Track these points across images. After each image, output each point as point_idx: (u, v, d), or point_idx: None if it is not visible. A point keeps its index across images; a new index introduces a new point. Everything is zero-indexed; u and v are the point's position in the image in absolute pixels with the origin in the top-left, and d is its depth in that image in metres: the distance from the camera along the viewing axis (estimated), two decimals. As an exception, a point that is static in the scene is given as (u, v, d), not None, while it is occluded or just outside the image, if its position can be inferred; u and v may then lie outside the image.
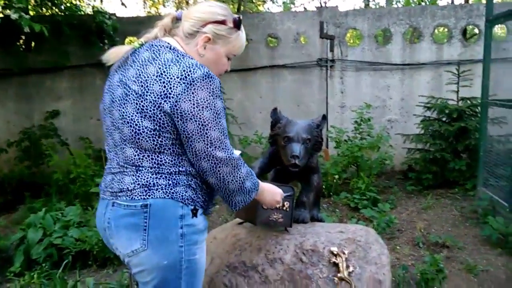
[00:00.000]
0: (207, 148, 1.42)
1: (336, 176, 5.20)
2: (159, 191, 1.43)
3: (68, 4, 6.89)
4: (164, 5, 15.73)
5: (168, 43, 1.51)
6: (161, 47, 1.49)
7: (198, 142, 1.41)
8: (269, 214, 2.00)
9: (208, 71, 1.43)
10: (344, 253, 1.98)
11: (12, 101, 6.89)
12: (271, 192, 1.73)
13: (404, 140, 5.82)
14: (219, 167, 1.44)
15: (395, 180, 6.15)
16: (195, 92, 1.39)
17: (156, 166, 1.44)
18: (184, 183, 1.47)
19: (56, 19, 6.12)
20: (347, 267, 1.97)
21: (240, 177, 1.48)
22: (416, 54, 6.62)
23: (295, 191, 2.06)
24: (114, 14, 6.65)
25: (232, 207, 1.55)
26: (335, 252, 1.98)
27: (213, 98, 1.42)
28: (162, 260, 1.44)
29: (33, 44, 6.87)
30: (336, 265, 1.97)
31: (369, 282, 1.97)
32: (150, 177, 1.44)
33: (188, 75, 1.40)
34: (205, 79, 1.41)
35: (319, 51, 6.71)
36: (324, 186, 5.29)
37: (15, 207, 5.13)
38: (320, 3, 13.80)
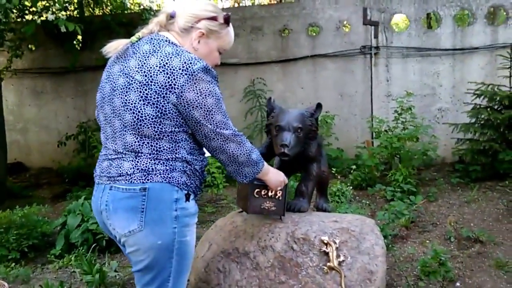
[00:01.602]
0: (215, 129, 1.56)
1: (373, 168, 5.05)
2: (157, 176, 1.54)
3: (116, 2, 7.26)
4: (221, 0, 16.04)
5: (167, 37, 1.61)
6: (160, 40, 1.59)
7: (206, 125, 1.55)
8: (261, 202, 2.02)
9: (206, 63, 1.56)
10: (335, 243, 1.96)
11: (71, 97, 7.42)
12: (275, 173, 1.88)
13: (452, 129, 5.49)
14: (227, 143, 1.59)
15: (443, 172, 5.85)
16: (197, 82, 1.52)
17: (155, 152, 1.55)
18: (180, 169, 1.58)
19: (106, 19, 6.50)
20: (338, 256, 1.94)
21: (246, 150, 1.63)
22: (468, 38, 6.21)
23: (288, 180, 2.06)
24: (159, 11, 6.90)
25: (243, 179, 1.69)
26: (325, 241, 1.96)
27: (213, 86, 1.56)
28: (157, 240, 1.54)
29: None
30: (326, 254, 1.95)
31: (360, 272, 1.93)
32: (149, 162, 1.54)
33: (189, 67, 1.51)
34: (205, 70, 1.54)
35: (363, 38, 6.51)
36: (360, 178, 5.18)
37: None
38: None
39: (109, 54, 1.63)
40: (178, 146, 1.57)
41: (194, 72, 1.51)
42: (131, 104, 1.52)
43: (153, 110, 1.51)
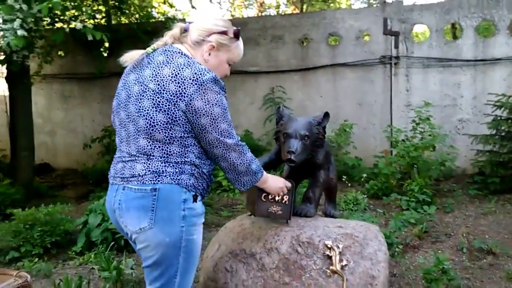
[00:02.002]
0: (219, 137, 1.66)
1: (390, 177, 5.06)
2: (167, 178, 1.64)
3: (143, 13, 7.51)
4: (246, 8, 16.29)
5: (180, 49, 1.74)
6: (174, 52, 1.72)
7: (211, 133, 1.66)
8: (268, 206, 2.11)
9: (215, 75, 1.68)
10: (338, 247, 2.03)
11: (96, 102, 7.69)
12: (275, 180, 1.97)
13: (472, 141, 5.45)
14: (229, 152, 1.69)
15: (463, 184, 5.79)
16: (205, 92, 1.63)
17: (166, 156, 1.66)
18: (189, 172, 1.68)
19: (132, 27, 6.74)
20: (340, 260, 2.00)
21: (246, 160, 1.73)
22: (490, 49, 6.16)
23: (295, 185, 2.14)
24: (184, 20, 7.11)
25: (241, 187, 1.80)
26: (329, 246, 2.03)
27: (220, 97, 1.68)
28: (165, 238, 1.64)
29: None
30: (329, 258, 2.02)
31: (362, 277, 1.99)
32: (160, 165, 1.65)
33: (199, 77, 1.63)
34: (213, 81, 1.66)
35: (383, 48, 6.54)
36: (377, 187, 5.20)
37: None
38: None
39: (126, 64, 1.76)
40: (187, 150, 1.67)
41: (203, 82, 1.62)
42: (144, 110, 1.64)
43: (165, 117, 1.62)
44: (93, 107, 7.76)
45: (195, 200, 1.70)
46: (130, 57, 1.76)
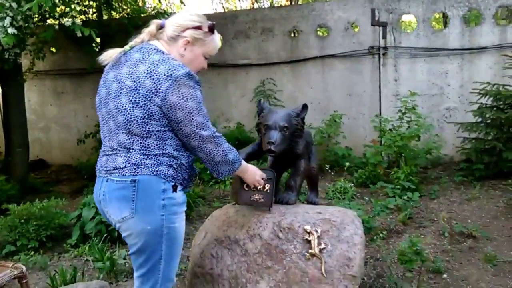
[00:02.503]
0: (194, 130, 1.74)
1: (379, 166, 5.18)
2: (146, 169, 1.73)
3: (134, 7, 7.55)
4: (239, 0, 16.26)
5: (155, 46, 1.82)
6: (149, 49, 1.79)
7: (187, 126, 1.74)
8: (251, 194, 2.21)
9: (189, 70, 1.75)
10: (316, 232, 2.13)
11: (89, 97, 7.74)
12: (252, 172, 2.05)
13: (458, 129, 5.57)
14: (205, 143, 1.77)
15: (450, 171, 5.92)
16: (180, 87, 1.71)
17: (144, 149, 1.74)
18: (167, 163, 1.76)
19: (123, 22, 6.78)
20: (319, 244, 2.11)
21: (222, 151, 1.80)
22: (477, 38, 6.26)
23: (276, 174, 2.25)
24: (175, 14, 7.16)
25: (219, 176, 1.88)
26: (308, 230, 2.14)
27: (195, 91, 1.74)
28: (146, 226, 1.74)
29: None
30: (308, 242, 2.13)
31: (339, 259, 2.10)
32: (139, 157, 1.74)
33: (173, 73, 1.71)
34: (187, 76, 1.73)
35: (371, 39, 6.62)
36: (365, 176, 5.32)
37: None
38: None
39: (105, 62, 1.84)
40: (165, 143, 1.76)
41: (177, 77, 1.70)
42: (122, 107, 1.73)
43: (141, 112, 1.70)
44: (86, 102, 7.81)
45: (174, 190, 1.78)
46: (108, 55, 1.84)
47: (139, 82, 1.71)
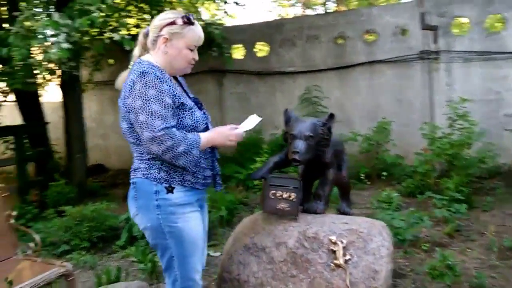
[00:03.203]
0: (140, 130, 1.77)
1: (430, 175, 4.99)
2: (140, 173, 1.89)
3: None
4: (290, 7, 16.32)
5: (140, 59, 1.91)
6: (135, 63, 1.90)
7: (136, 127, 1.80)
8: (276, 203, 2.25)
9: (145, 69, 1.77)
10: (342, 242, 2.12)
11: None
12: (222, 135, 1.94)
13: (517, 136, 5.23)
14: (149, 144, 1.76)
15: (508, 181, 5.55)
16: (134, 87, 1.78)
17: (139, 155, 1.90)
18: (157, 166, 1.86)
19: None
20: (344, 255, 2.10)
21: (169, 148, 1.74)
22: (539, 40, 5.85)
23: (302, 183, 2.26)
24: (222, 24, 7.36)
25: (181, 165, 1.82)
26: (333, 241, 2.13)
27: (146, 89, 1.75)
28: (147, 223, 1.89)
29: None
30: (334, 252, 2.12)
31: (365, 271, 2.07)
32: (137, 162, 1.92)
33: (134, 76, 1.81)
34: (141, 75, 1.77)
35: (421, 43, 6.39)
36: (414, 185, 5.14)
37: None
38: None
39: (119, 87, 1.96)
40: None
41: (133, 79, 1.78)
42: (120, 123, 1.92)
43: (126, 124, 1.87)
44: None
45: (170, 191, 1.86)
46: (120, 79, 1.99)
47: (123, 97, 1.85)
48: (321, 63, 6.96)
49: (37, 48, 4.35)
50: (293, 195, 2.23)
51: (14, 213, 2.94)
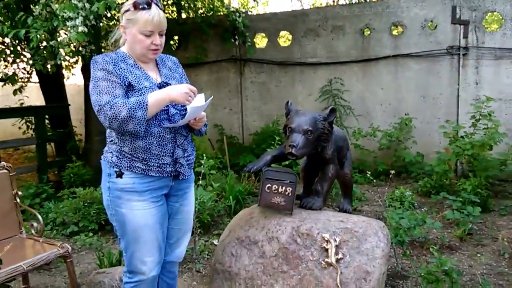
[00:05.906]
0: (94, 109, 1.79)
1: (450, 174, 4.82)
2: (102, 155, 1.99)
3: (210, 6, 7.81)
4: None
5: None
6: None
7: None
8: (271, 197, 2.20)
9: (95, 58, 1.86)
10: (335, 240, 2.05)
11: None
12: (175, 90, 1.82)
13: (545, 139, 4.98)
14: (99, 117, 1.77)
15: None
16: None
17: (107, 138, 1.99)
18: (112, 150, 1.92)
19: (197, 21, 7.04)
20: (336, 253, 2.03)
21: (112, 117, 1.71)
22: None
23: (297, 179, 2.20)
24: (246, 12, 7.27)
25: (139, 133, 1.78)
26: (326, 238, 2.07)
27: (94, 71, 1.84)
28: (103, 201, 2.00)
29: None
30: (326, 250, 2.06)
31: (357, 271, 2.00)
32: (106, 145, 2.01)
33: None
34: (92, 62, 1.87)
35: (450, 38, 6.13)
36: (430, 185, 4.98)
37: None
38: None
39: None
40: (112, 133, 1.92)
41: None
42: None
43: None
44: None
45: (119, 175, 1.87)
46: None
47: None
48: (344, 55, 6.78)
49: (58, 31, 4.40)
50: (289, 190, 2.17)
51: (20, 193, 2.99)
